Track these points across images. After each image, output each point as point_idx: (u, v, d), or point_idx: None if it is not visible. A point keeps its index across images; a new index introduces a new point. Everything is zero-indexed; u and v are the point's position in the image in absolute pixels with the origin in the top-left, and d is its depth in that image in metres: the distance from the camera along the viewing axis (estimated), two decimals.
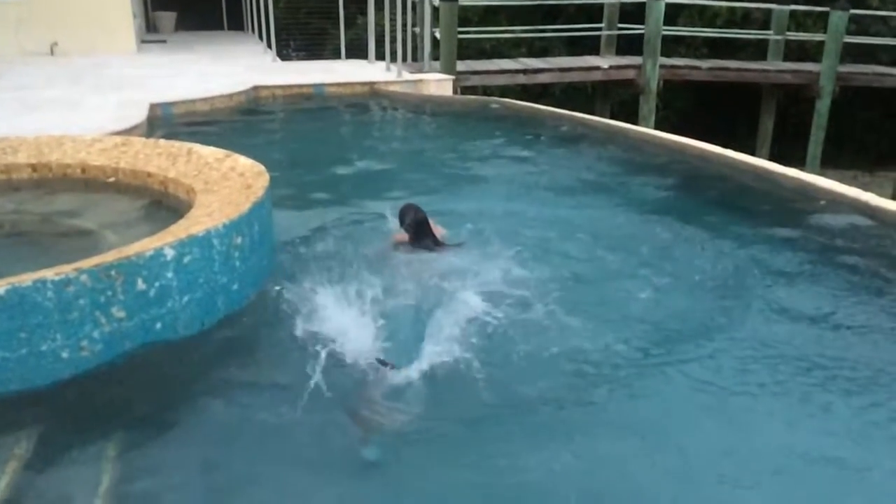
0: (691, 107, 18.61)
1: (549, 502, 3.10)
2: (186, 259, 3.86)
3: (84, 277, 3.44)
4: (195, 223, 4.20)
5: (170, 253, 3.77)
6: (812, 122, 15.31)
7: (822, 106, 15.22)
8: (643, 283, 5.03)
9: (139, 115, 9.09)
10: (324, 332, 4.36)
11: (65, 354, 3.48)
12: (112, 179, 5.65)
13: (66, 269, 3.43)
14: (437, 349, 3.96)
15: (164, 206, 5.33)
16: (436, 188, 7.51)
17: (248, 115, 10.84)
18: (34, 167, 5.80)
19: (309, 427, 3.51)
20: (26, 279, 3.32)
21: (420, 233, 5.26)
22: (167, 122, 9.68)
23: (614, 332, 4.35)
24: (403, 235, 5.47)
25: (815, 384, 3.89)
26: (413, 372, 3.78)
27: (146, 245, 3.79)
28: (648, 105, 14.78)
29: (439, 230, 5.50)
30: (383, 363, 3.74)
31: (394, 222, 5.56)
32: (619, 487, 3.18)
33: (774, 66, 16.42)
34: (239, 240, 4.22)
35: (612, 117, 12.65)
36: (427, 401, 3.68)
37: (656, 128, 11.25)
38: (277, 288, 4.79)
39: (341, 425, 3.52)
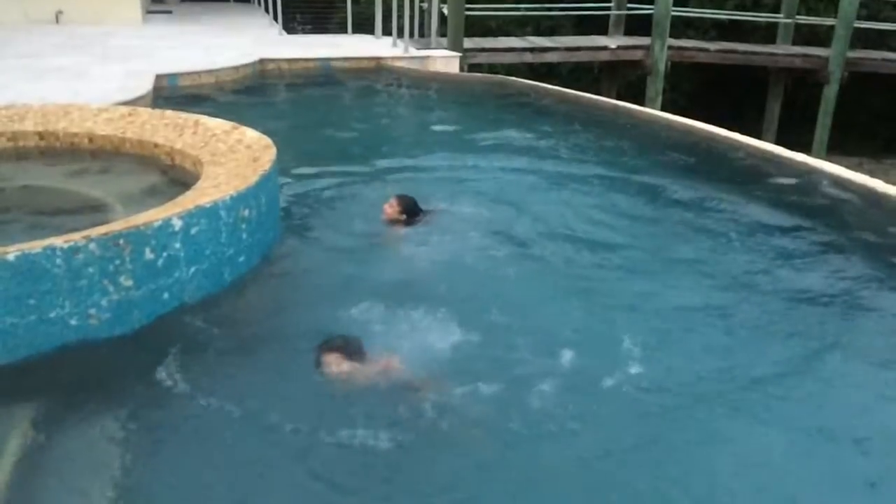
0: (698, 89, 18.51)
1: None
2: (194, 230, 3.88)
3: (93, 245, 3.47)
4: (203, 194, 4.21)
5: (178, 223, 3.79)
6: (819, 107, 15.23)
7: (830, 91, 15.13)
8: (644, 263, 5.09)
9: (145, 85, 9.07)
10: (326, 304, 4.42)
11: (73, 322, 3.51)
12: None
13: (76, 237, 3.45)
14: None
15: (171, 177, 5.34)
16: (437, 165, 7.51)
17: (253, 87, 10.80)
18: (41, 135, 5.80)
19: (309, 394, 3.58)
20: (36, 246, 3.34)
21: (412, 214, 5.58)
22: (173, 93, 9.66)
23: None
24: (394, 209, 5.54)
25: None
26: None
27: (154, 215, 3.81)
28: (656, 86, 14.70)
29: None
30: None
31: (391, 198, 5.61)
32: None
33: (783, 50, 16.31)
34: (246, 212, 4.24)
35: (618, 98, 12.58)
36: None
37: (663, 110, 11.20)
38: (282, 260, 4.84)
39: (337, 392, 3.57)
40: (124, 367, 3.65)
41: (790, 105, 17.08)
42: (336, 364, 3.56)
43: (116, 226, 3.62)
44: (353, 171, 7.13)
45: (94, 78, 9.64)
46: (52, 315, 3.43)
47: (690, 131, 7.81)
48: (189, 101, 8.86)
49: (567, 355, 3.83)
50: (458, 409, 3.41)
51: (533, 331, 4.13)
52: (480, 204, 6.23)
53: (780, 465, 3.20)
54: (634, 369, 3.72)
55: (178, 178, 5.26)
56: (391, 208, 5.58)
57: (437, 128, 9.54)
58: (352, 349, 3.62)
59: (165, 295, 3.82)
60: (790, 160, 6.65)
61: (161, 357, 3.75)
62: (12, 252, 3.27)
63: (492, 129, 9.04)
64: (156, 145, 5.57)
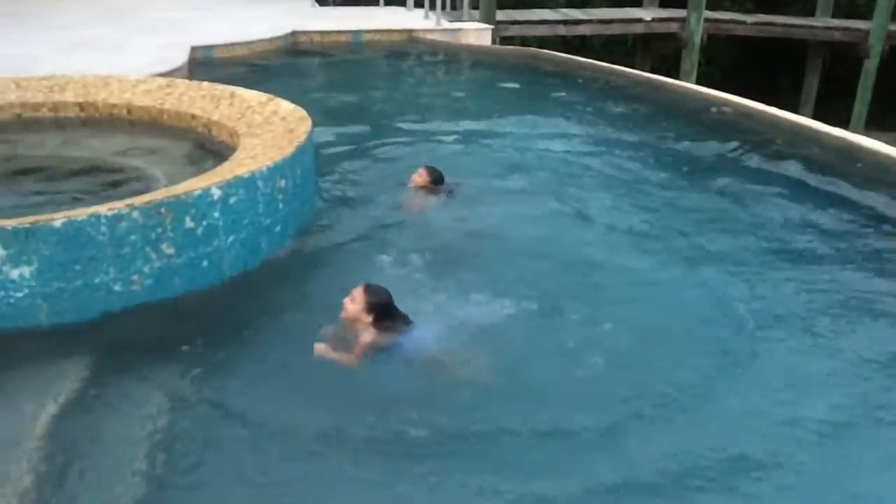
0: (734, 63, 18.21)
1: None
2: (232, 199, 3.95)
3: (136, 213, 3.55)
4: (240, 165, 4.28)
5: (216, 193, 3.86)
6: (858, 81, 14.91)
7: (870, 65, 14.78)
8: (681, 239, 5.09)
9: (180, 57, 9.15)
10: (359, 274, 4.47)
11: (117, 287, 3.61)
12: None
13: (119, 205, 3.54)
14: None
15: (208, 147, 5.42)
16: (466, 136, 7.52)
17: (286, 59, 10.85)
18: (81, 106, 5.91)
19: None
20: (82, 213, 3.44)
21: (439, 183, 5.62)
22: (207, 65, 9.73)
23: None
24: (423, 178, 5.58)
25: None
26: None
27: (194, 184, 3.89)
28: (691, 59, 14.48)
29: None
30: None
31: (420, 168, 5.66)
32: None
33: (822, 23, 15.96)
34: (282, 182, 4.30)
35: (651, 72, 12.42)
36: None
37: (697, 83, 11.03)
38: (317, 230, 4.91)
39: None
40: (165, 332, 3.75)
41: (828, 80, 16.73)
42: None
43: (158, 195, 3.70)
44: (383, 142, 7.17)
45: (129, 50, 9.74)
46: (96, 280, 3.53)
47: (726, 105, 7.71)
48: (223, 73, 8.94)
49: (597, 330, 3.88)
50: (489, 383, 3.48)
51: (567, 300, 4.16)
52: (511, 175, 6.26)
53: None
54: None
55: (214, 149, 5.34)
56: (420, 178, 5.64)
57: (468, 100, 9.52)
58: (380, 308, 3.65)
59: (205, 263, 3.90)
60: (827, 135, 6.54)
61: (200, 323, 3.86)
62: (59, 219, 3.36)
63: (523, 102, 9.02)
64: (193, 117, 5.64)
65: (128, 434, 3.12)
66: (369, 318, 3.64)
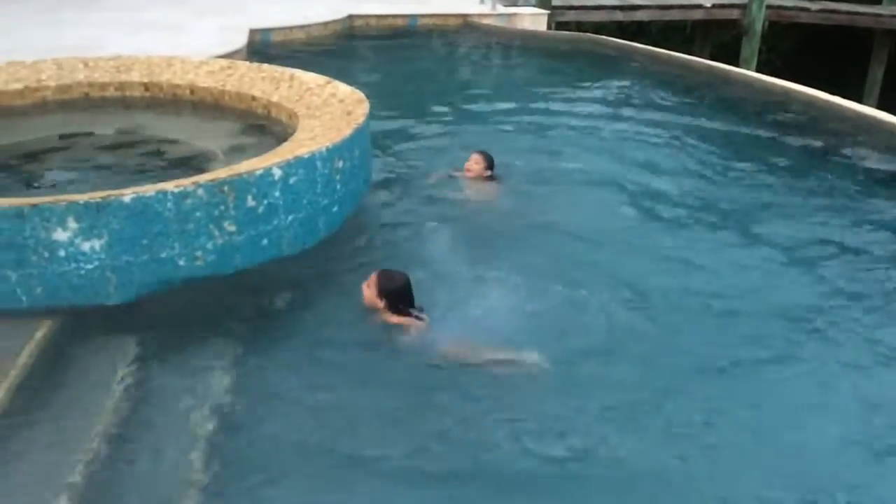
0: (795, 51, 17.75)
1: None
2: (292, 179, 4.02)
3: (200, 191, 3.65)
4: (300, 146, 4.35)
5: (277, 172, 3.94)
6: None
7: None
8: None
9: (240, 39, 9.31)
10: (412, 257, 4.54)
11: (181, 262, 3.72)
12: None
13: (185, 182, 3.64)
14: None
15: (267, 129, 5.52)
16: (521, 121, 7.51)
17: (342, 43, 10.95)
18: (146, 86, 6.07)
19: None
20: (149, 189, 3.55)
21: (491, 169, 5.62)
22: (265, 47, 9.88)
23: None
24: (479, 165, 5.59)
25: None
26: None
27: (256, 164, 3.97)
28: (751, 47, 14.17)
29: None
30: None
31: (474, 154, 5.68)
32: None
33: (889, 11, 15.44)
34: (340, 163, 4.36)
35: (710, 59, 12.19)
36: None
37: (758, 71, 10.79)
38: (373, 211, 4.98)
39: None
40: (227, 307, 3.87)
41: (894, 70, 16.19)
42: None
43: (221, 173, 3.79)
44: (437, 126, 7.23)
45: (191, 32, 9.94)
46: (162, 255, 3.64)
47: (788, 94, 7.54)
48: (281, 56, 9.06)
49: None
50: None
51: (623, 290, 4.16)
52: (565, 161, 6.24)
53: None
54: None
55: (274, 129, 5.44)
56: (476, 164, 5.66)
57: (522, 85, 9.50)
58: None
59: (265, 241, 3.99)
60: (893, 125, 6.37)
61: (260, 299, 3.97)
62: (128, 194, 3.48)
63: (578, 88, 8.95)
64: (253, 98, 5.75)
65: (189, 404, 3.24)
66: (382, 304, 3.80)
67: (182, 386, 3.32)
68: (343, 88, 5.48)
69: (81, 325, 3.51)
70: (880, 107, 11.01)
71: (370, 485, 2.89)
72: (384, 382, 3.48)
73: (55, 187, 4.57)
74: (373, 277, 3.86)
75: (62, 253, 3.44)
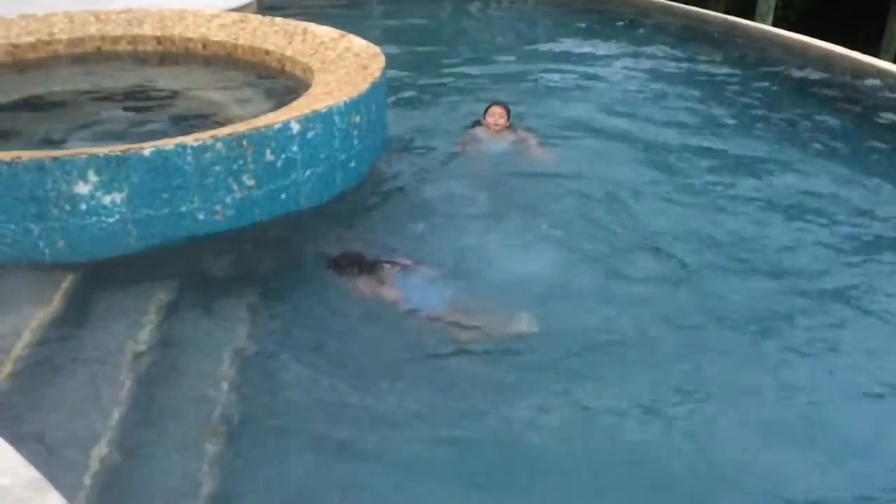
0: (812, 6, 17.39)
1: None
2: (310, 134, 4.01)
3: (220, 145, 3.64)
4: (317, 100, 4.33)
5: (295, 127, 3.92)
6: None
7: None
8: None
9: None
10: (429, 210, 4.55)
11: (201, 216, 3.73)
12: None
13: (204, 136, 3.64)
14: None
15: (281, 82, 5.48)
16: (532, 77, 7.43)
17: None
18: (159, 40, 6.02)
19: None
20: (169, 143, 3.54)
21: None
22: (276, 2, 9.74)
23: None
24: (504, 118, 5.56)
25: None
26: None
27: (274, 118, 3.96)
28: (768, 2, 13.89)
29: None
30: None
31: (494, 107, 5.63)
32: None
33: None
34: (357, 118, 4.34)
35: (725, 13, 11.97)
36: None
37: (774, 26, 10.61)
38: (390, 167, 4.97)
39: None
40: (245, 260, 3.90)
41: None
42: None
43: (240, 127, 3.78)
44: (448, 81, 7.16)
45: None
46: (182, 209, 3.66)
47: (807, 49, 7.44)
48: (292, 11, 8.93)
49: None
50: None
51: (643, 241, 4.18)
52: (579, 118, 6.19)
53: None
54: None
55: (288, 84, 5.40)
56: (501, 118, 5.59)
57: (535, 41, 9.36)
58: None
59: (283, 196, 3.99)
60: None
61: (279, 253, 4.00)
62: (148, 148, 3.48)
63: (591, 43, 8.81)
64: (267, 52, 5.70)
65: (211, 349, 3.29)
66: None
67: (202, 334, 3.37)
68: (358, 42, 5.43)
69: (104, 278, 3.53)
70: None
71: (379, 432, 2.95)
72: (387, 340, 3.52)
73: (67, 142, 4.57)
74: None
75: (83, 206, 3.46)
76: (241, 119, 4.44)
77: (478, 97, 6.46)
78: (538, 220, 4.40)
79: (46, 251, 3.50)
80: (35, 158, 3.34)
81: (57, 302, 3.33)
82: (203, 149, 3.61)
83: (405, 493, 2.71)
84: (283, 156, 3.91)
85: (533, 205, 4.64)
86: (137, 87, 5.48)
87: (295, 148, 3.95)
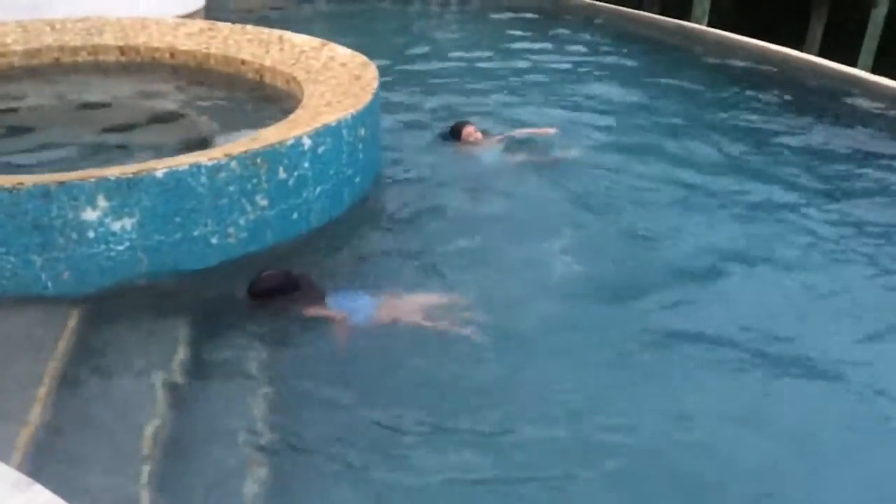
0: (737, 8, 17.99)
1: None
2: (321, 149, 3.82)
3: (234, 164, 3.42)
4: (317, 113, 4.13)
5: (307, 142, 3.73)
6: (866, 31, 14.80)
7: (878, 15, 14.65)
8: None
9: (197, 1, 8.82)
10: (435, 221, 4.43)
11: (214, 240, 3.50)
12: None
13: (217, 155, 3.41)
14: None
15: (260, 95, 5.24)
16: (493, 77, 7.40)
17: (300, 6, 10.55)
18: (122, 50, 5.69)
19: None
20: (182, 163, 3.30)
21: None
22: (223, 8, 9.40)
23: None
24: (476, 131, 5.49)
25: None
26: None
27: (282, 133, 3.75)
28: (703, 6, 14.26)
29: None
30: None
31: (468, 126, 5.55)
32: None
33: None
34: (362, 131, 4.17)
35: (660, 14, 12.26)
36: None
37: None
38: (388, 180, 4.81)
39: None
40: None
41: (833, 28, 16.61)
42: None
43: (254, 144, 3.56)
44: (409, 88, 6.99)
45: None
46: (195, 233, 3.42)
47: (765, 55, 7.66)
48: (242, 17, 8.64)
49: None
50: None
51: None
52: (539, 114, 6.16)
53: None
54: None
55: (268, 95, 5.17)
56: (477, 132, 5.51)
57: (487, 42, 9.29)
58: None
59: (294, 215, 3.80)
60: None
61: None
62: (161, 169, 3.23)
63: (540, 49, 8.79)
64: (243, 62, 5.45)
65: (236, 381, 3.09)
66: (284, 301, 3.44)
67: (224, 367, 3.14)
68: (341, 51, 5.25)
69: (114, 312, 3.25)
70: None
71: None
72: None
73: (41, 165, 4.21)
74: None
75: (91, 234, 3.18)
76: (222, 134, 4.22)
77: (438, 101, 6.37)
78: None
79: (49, 284, 3.21)
80: (39, 184, 3.05)
81: (67, 338, 3.04)
82: (217, 168, 3.38)
83: None
84: (296, 173, 3.71)
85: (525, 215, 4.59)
86: (100, 100, 5.14)
87: (306, 164, 3.76)
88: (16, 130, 4.62)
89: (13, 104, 4.94)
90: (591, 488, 2.68)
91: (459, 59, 8.19)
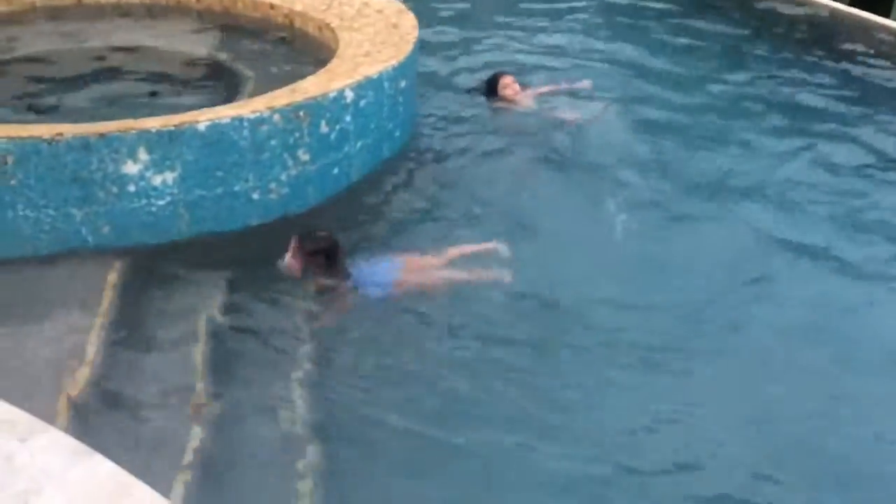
0: None
1: None
2: (363, 102, 3.69)
3: (276, 117, 3.30)
4: (356, 64, 3.97)
5: (349, 95, 3.59)
6: None
7: None
8: None
9: None
10: (467, 177, 4.32)
11: (255, 196, 3.39)
12: None
13: (260, 107, 3.28)
14: None
15: (290, 40, 5.05)
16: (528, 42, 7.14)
17: None
18: None
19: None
20: (224, 115, 3.17)
21: None
22: None
23: None
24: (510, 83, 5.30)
25: None
26: None
27: (324, 85, 3.60)
28: None
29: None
30: None
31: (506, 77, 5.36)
32: None
33: None
34: (403, 83, 4.02)
35: None
36: None
37: None
38: (426, 133, 4.67)
39: None
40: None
41: None
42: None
43: (296, 96, 3.42)
44: (465, 37, 6.75)
45: None
46: (236, 188, 3.31)
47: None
48: None
49: None
50: None
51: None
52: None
53: None
54: None
55: (298, 42, 4.99)
56: (515, 83, 5.32)
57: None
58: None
59: (335, 170, 3.68)
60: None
61: (335, 230, 3.67)
62: (203, 121, 3.11)
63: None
64: (272, 6, 5.24)
65: (272, 336, 3.03)
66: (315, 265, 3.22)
67: (260, 323, 3.07)
68: None
69: (155, 268, 3.17)
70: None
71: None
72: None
73: (58, 111, 4.08)
74: (294, 244, 3.19)
75: (132, 188, 3.08)
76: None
77: (484, 58, 6.14)
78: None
79: (90, 238, 3.12)
80: (79, 135, 2.93)
81: (110, 293, 2.95)
82: (260, 121, 3.25)
83: None
84: (338, 127, 3.58)
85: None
86: (129, 44, 4.96)
87: (348, 118, 3.63)
88: (40, 78, 4.47)
89: (36, 48, 4.78)
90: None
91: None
